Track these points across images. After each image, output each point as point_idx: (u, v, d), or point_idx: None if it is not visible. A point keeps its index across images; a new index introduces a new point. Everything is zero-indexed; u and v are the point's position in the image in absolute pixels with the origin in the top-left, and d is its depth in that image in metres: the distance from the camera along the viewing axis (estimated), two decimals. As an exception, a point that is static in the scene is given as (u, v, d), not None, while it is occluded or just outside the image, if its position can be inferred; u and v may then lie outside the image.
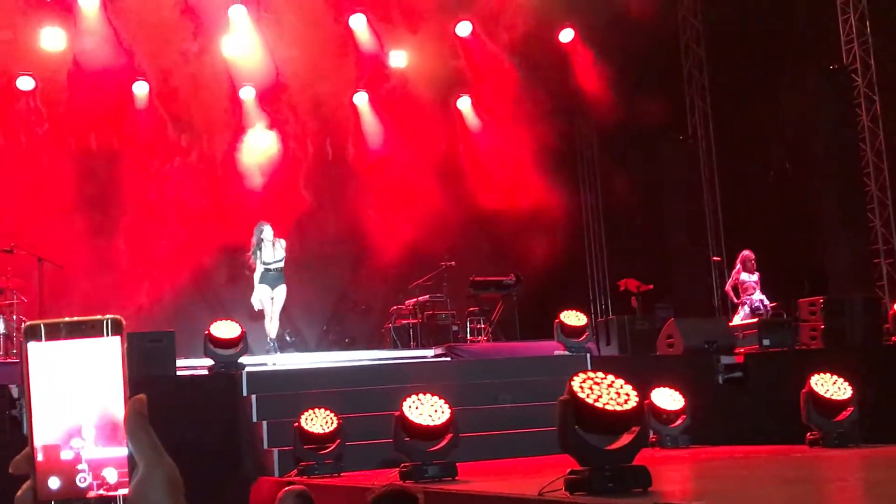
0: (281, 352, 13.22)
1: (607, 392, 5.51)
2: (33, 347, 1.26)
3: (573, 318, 10.91)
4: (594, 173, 18.28)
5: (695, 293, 16.21)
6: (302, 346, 15.53)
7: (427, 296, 15.09)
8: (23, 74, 15.28)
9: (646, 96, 16.33)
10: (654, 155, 17.31)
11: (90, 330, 1.28)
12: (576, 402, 5.38)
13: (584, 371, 5.64)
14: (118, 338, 1.28)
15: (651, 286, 15.26)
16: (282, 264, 12.85)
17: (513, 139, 17.18)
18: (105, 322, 1.28)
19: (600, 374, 5.63)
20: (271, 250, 12.74)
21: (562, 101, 17.17)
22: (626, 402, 5.49)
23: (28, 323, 1.30)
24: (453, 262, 15.31)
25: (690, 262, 16.60)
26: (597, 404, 5.40)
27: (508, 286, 15.11)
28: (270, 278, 12.81)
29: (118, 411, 1.28)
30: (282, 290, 12.90)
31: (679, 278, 16.43)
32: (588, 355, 10.70)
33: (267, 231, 12.74)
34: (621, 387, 5.57)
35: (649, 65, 16.34)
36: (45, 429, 1.27)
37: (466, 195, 16.86)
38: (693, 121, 17.39)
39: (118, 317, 1.28)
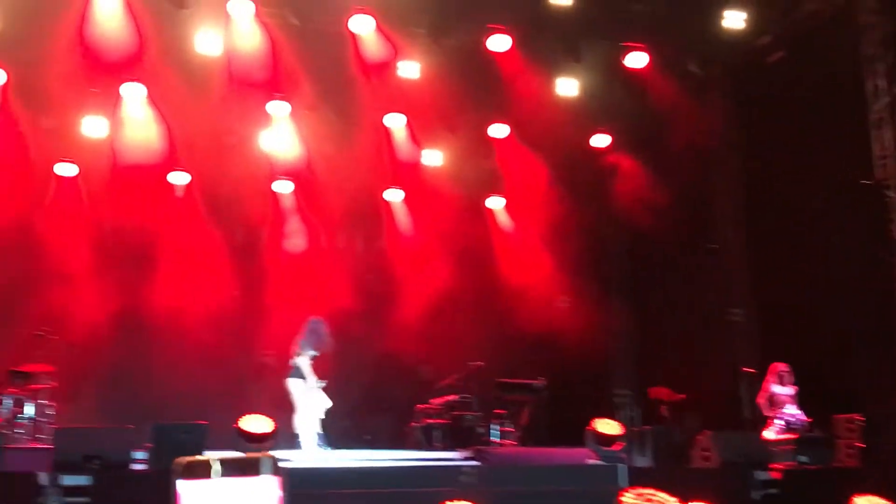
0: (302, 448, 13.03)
1: (659, 509, 5.40)
2: (183, 486, 1.23)
3: (607, 426, 10.73)
4: (624, 279, 18.21)
5: (725, 405, 15.94)
6: (324, 443, 15.29)
7: (456, 395, 14.90)
8: (63, 160, 15.48)
9: (679, 204, 16.35)
10: (686, 264, 17.25)
11: (247, 468, 1.26)
12: (628, 519, 5.28)
13: (635, 487, 5.55)
14: (276, 478, 1.26)
15: (683, 396, 15.04)
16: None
17: (543, 241, 17.19)
18: (261, 461, 1.26)
19: (650, 491, 5.55)
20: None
21: (594, 206, 17.21)
22: (678, 520, 5.39)
23: (179, 460, 1.28)
24: (482, 363, 15.16)
25: (720, 373, 16.36)
26: (649, 522, 5.29)
27: (537, 390, 14.92)
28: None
29: None
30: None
31: (708, 389, 16.17)
32: (623, 465, 10.46)
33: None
34: (673, 504, 5.47)
35: (683, 172, 16.40)
36: None
37: (497, 295, 16.79)
38: (724, 230, 17.35)
39: (275, 456, 1.25)
